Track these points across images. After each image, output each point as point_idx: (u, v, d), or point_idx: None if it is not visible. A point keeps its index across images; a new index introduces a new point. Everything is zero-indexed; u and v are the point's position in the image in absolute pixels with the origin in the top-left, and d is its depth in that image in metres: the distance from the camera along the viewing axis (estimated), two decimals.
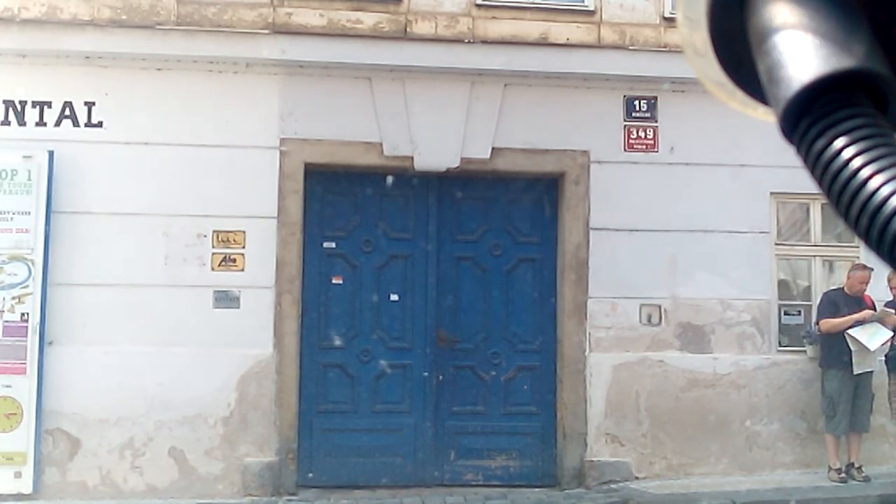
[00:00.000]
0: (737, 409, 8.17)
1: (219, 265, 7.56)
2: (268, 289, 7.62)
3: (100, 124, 7.53)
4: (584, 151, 8.11)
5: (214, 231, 7.57)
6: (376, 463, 7.81)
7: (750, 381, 8.21)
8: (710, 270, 8.21)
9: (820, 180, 0.53)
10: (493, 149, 7.96)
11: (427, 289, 8.02)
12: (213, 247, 7.56)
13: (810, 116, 0.54)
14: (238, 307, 7.56)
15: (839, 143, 0.53)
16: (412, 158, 7.86)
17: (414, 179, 7.99)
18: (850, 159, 0.52)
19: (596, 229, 8.09)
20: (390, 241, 8.01)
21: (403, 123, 7.83)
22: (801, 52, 0.55)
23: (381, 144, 7.82)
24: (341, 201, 7.98)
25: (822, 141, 0.53)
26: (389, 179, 7.91)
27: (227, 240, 7.57)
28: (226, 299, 7.53)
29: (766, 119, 0.60)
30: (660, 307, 8.15)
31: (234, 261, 7.58)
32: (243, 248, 7.60)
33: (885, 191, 0.51)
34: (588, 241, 8.07)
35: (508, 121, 7.98)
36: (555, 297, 8.13)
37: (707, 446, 8.09)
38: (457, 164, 7.92)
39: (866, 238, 0.52)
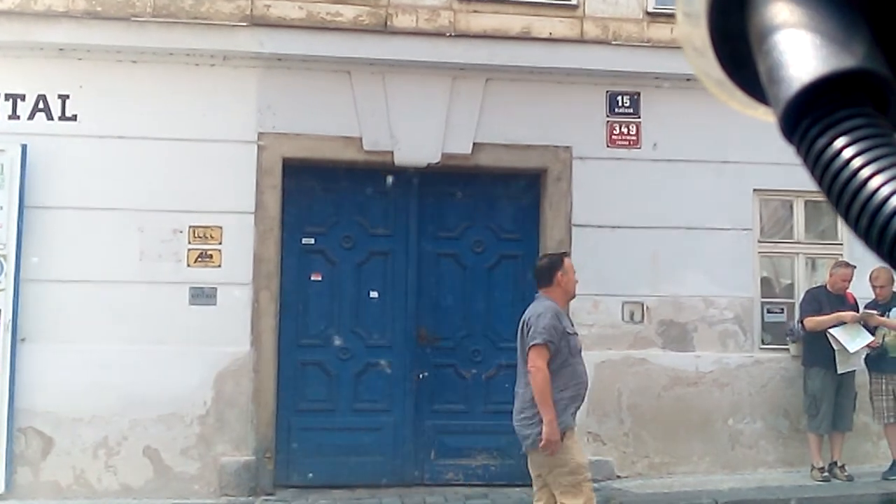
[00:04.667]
0: (719, 408, 8.12)
1: (195, 261, 7.44)
2: (245, 285, 7.50)
3: (74, 118, 7.40)
4: (567, 147, 8.03)
5: (191, 227, 7.45)
6: (355, 462, 7.70)
7: (732, 380, 8.16)
8: (692, 268, 8.15)
9: (820, 180, 0.53)
10: (474, 144, 7.87)
11: (407, 286, 7.92)
12: (190, 243, 7.44)
13: (810, 116, 0.54)
14: (214, 304, 7.44)
15: (839, 143, 0.53)
16: (392, 154, 7.76)
17: (394, 175, 7.87)
18: (851, 159, 0.52)
19: (578, 226, 8.02)
20: (370, 237, 7.90)
21: (383, 118, 7.73)
22: (802, 52, 0.55)
23: (360, 139, 7.71)
24: (320, 197, 7.87)
25: (823, 141, 0.53)
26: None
27: (204, 235, 7.45)
28: (202, 296, 7.42)
29: (766, 119, 0.59)
30: (642, 305, 8.09)
31: (211, 257, 7.46)
32: (220, 244, 7.48)
33: (885, 191, 0.50)
34: (570, 238, 7.99)
35: (490, 116, 7.89)
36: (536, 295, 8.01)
37: (689, 445, 8.04)
38: (438, 160, 7.82)
39: (866, 238, 0.52)
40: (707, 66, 0.63)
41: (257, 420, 7.47)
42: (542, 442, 4.98)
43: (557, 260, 5.51)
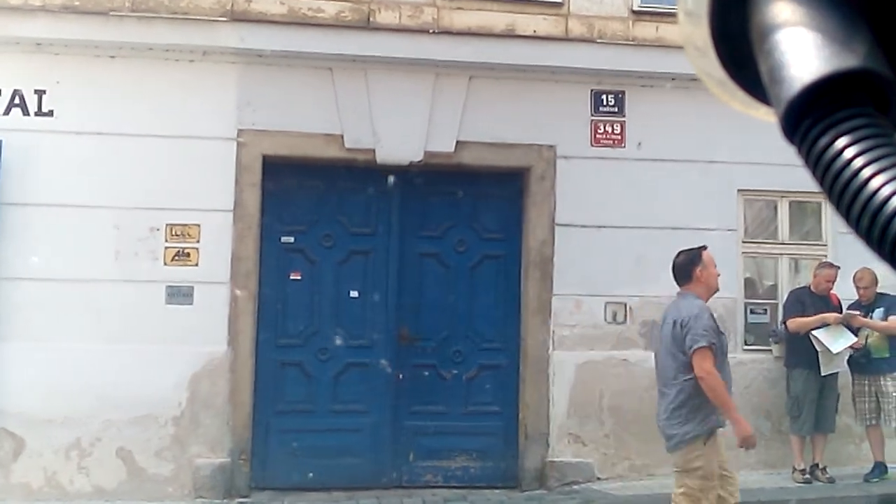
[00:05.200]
0: None
1: (172, 260, 7.32)
2: (223, 284, 7.39)
3: (50, 113, 7.26)
4: (551, 146, 7.96)
5: (168, 224, 7.33)
6: (333, 464, 7.60)
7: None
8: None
9: (821, 180, 0.53)
10: (457, 142, 7.78)
11: (388, 285, 7.83)
12: (167, 241, 7.32)
13: (812, 116, 0.54)
14: (191, 303, 7.33)
15: (840, 143, 0.53)
16: (374, 151, 7.65)
17: (376, 173, 7.77)
18: (852, 159, 0.52)
19: (561, 226, 7.94)
20: (351, 236, 7.80)
21: (365, 115, 7.63)
22: (803, 52, 0.55)
23: (342, 137, 7.61)
24: (300, 195, 7.76)
25: (824, 141, 0.53)
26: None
27: (181, 234, 7.33)
28: (179, 295, 7.30)
29: (767, 119, 0.59)
30: (625, 305, 8.02)
31: (188, 255, 7.34)
32: (198, 242, 7.36)
33: (885, 191, 0.50)
34: (553, 238, 7.92)
35: (473, 114, 7.80)
36: (519, 295, 7.97)
37: None
38: (420, 158, 7.73)
39: (867, 239, 0.52)
40: (708, 65, 0.62)
41: (233, 421, 7.36)
42: (739, 441, 4.95)
43: (695, 255, 5.30)
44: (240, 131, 7.47)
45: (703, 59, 0.62)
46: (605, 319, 8.01)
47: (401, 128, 7.66)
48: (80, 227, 7.19)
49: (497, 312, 8.00)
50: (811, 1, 0.57)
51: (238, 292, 7.40)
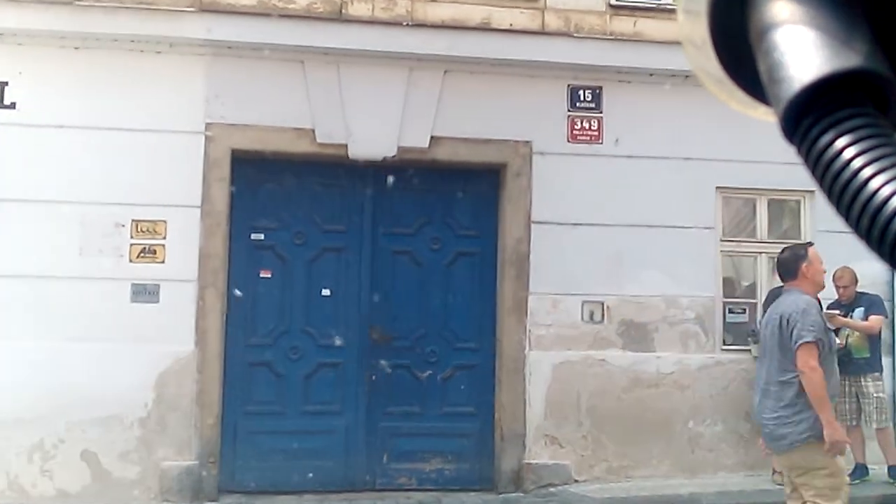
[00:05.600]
0: (680, 410, 7.96)
1: (137, 257, 7.13)
2: (190, 282, 7.20)
3: (13, 105, 7.07)
4: (527, 142, 7.82)
5: (133, 220, 7.14)
6: (305, 466, 7.42)
7: (693, 381, 8.00)
8: (654, 267, 7.97)
9: (820, 181, 0.53)
10: (431, 137, 7.63)
11: (361, 283, 7.67)
12: (132, 237, 7.13)
13: (811, 116, 0.54)
14: (157, 301, 7.14)
15: (840, 143, 0.53)
16: (346, 146, 7.49)
17: (349, 169, 7.61)
18: (851, 160, 0.52)
19: (538, 223, 7.81)
20: (322, 233, 7.63)
21: (337, 109, 7.46)
22: (803, 52, 0.55)
23: (313, 131, 7.44)
24: (271, 190, 7.58)
25: (823, 141, 0.53)
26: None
27: (147, 230, 7.14)
28: (144, 293, 7.11)
29: (766, 119, 0.59)
30: (602, 304, 7.90)
31: (155, 252, 7.15)
32: (164, 238, 7.18)
33: (885, 191, 0.50)
34: (529, 236, 7.79)
35: (448, 109, 7.65)
36: (494, 294, 7.83)
37: (649, 448, 7.87)
38: (394, 153, 7.58)
39: (867, 239, 0.52)
40: (707, 64, 0.62)
41: (201, 423, 7.18)
42: (827, 445, 4.74)
43: (801, 251, 5.17)
44: (208, 125, 7.28)
45: (702, 58, 0.62)
46: (582, 319, 7.88)
47: (374, 122, 7.50)
48: (44, 223, 6.99)
49: (472, 311, 7.85)
50: (811, 0, 0.57)
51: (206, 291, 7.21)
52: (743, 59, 0.60)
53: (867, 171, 0.51)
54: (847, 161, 0.52)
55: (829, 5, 0.56)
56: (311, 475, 7.38)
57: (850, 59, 0.54)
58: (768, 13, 0.57)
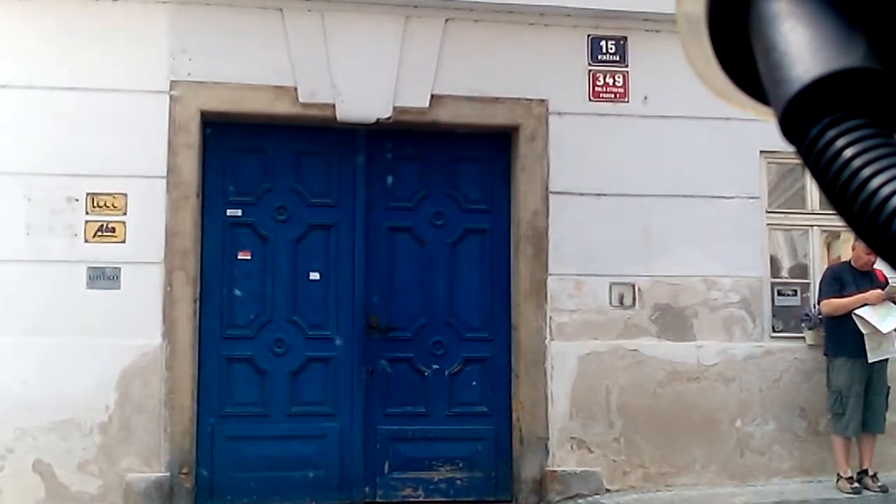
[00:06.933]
0: (725, 407, 6.98)
1: (94, 236, 6.23)
2: (155, 264, 6.29)
3: None
4: (542, 101, 6.88)
5: (88, 194, 6.24)
6: (293, 477, 6.52)
7: (740, 374, 7.03)
8: (690, 243, 7.02)
9: (820, 181, 0.54)
10: (432, 96, 6.70)
11: (355, 266, 6.74)
12: (87, 213, 6.23)
13: (810, 116, 0.54)
14: (118, 287, 6.24)
15: (840, 143, 0.53)
16: (334, 107, 6.57)
17: (337, 133, 6.68)
18: (851, 159, 0.52)
19: (556, 193, 6.86)
20: (309, 208, 6.72)
21: (323, 64, 6.54)
22: (802, 52, 0.56)
23: (295, 90, 6.53)
24: (248, 159, 6.67)
25: (823, 141, 0.54)
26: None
27: (104, 204, 6.24)
28: (102, 278, 6.21)
29: (766, 119, 0.59)
30: (633, 286, 6.95)
31: (113, 230, 6.25)
32: (124, 214, 6.27)
33: (885, 191, 0.51)
34: (547, 208, 6.85)
35: (451, 63, 6.73)
36: (508, 275, 6.90)
37: (691, 451, 6.90)
38: (389, 115, 6.65)
39: (867, 239, 0.52)
40: (706, 65, 0.64)
41: (171, 428, 6.26)
42: None
43: None
44: (173, 83, 6.38)
45: (702, 58, 0.63)
46: (611, 303, 6.92)
47: (365, 79, 6.59)
48: None
49: (483, 296, 6.91)
50: (810, 0, 0.57)
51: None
52: (742, 59, 0.60)
53: (866, 171, 0.52)
54: (846, 161, 0.52)
55: (828, 5, 0.57)
56: (300, 487, 6.47)
57: (849, 59, 0.54)
58: (767, 13, 0.58)
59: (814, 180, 0.54)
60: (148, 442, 6.23)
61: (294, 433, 6.59)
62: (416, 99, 6.67)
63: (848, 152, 0.52)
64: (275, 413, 6.60)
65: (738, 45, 0.60)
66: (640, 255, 6.93)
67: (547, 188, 6.87)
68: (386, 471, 6.71)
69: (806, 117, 0.54)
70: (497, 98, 6.81)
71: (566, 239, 6.84)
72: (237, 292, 6.56)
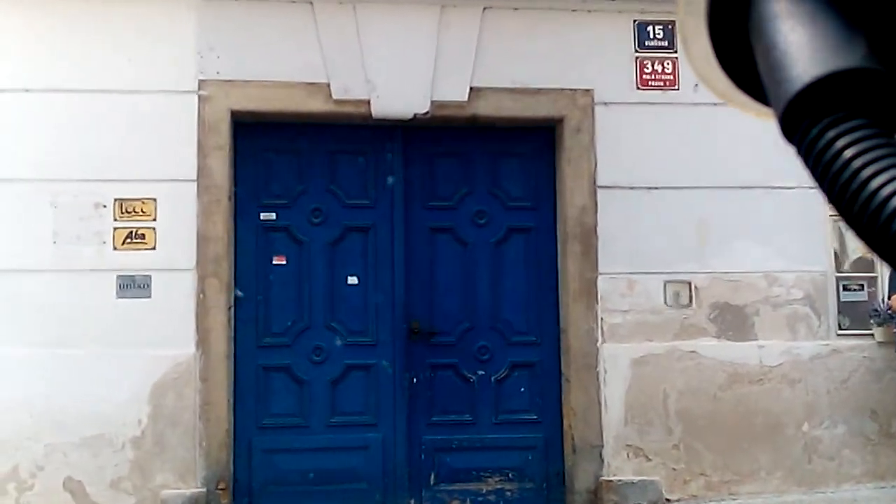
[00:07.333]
0: (791, 410, 6.58)
1: (123, 243, 6.00)
2: (187, 271, 6.05)
3: None
4: (587, 90, 6.53)
5: (116, 200, 6.01)
6: (335, 491, 6.23)
7: (805, 374, 6.61)
8: (749, 236, 6.63)
9: (820, 181, 0.55)
10: (471, 89, 6.39)
11: (394, 269, 6.44)
12: (116, 220, 6.01)
13: (811, 117, 0.54)
14: (149, 296, 6.00)
15: (840, 143, 0.53)
16: (369, 103, 6.29)
17: (373, 130, 6.40)
18: (851, 159, 0.53)
19: (604, 188, 6.51)
20: (345, 209, 6.43)
21: (356, 59, 6.26)
22: (802, 52, 0.56)
23: (328, 86, 6.25)
24: (281, 160, 6.40)
25: (823, 141, 0.54)
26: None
27: (134, 210, 6.01)
28: (132, 286, 5.97)
29: (767, 119, 0.60)
30: (689, 284, 6.57)
31: (143, 237, 6.01)
32: (154, 220, 6.04)
33: (885, 191, 0.51)
34: (595, 204, 6.50)
35: (490, 54, 6.41)
36: (556, 275, 6.55)
37: (755, 457, 6.50)
38: (426, 110, 6.35)
39: (867, 239, 0.52)
40: (708, 67, 0.65)
41: (207, 441, 6.00)
42: None
43: None
44: (202, 82, 6.14)
45: (702, 58, 0.64)
46: (666, 302, 6.55)
47: (400, 73, 6.30)
48: (9, 206, 5.94)
49: (529, 298, 6.57)
50: (810, 1, 0.57)
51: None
52: (742, 60, 0.61)
53: (866, 171, 0.52)
54: (846, 161, 0.52)
55: (828, 5, 0.57)
56: (341, 501, 6.17)
57: (849, 59, 0.55)
58: (767, 13, 0.58)
59: (814, 180, 0.55)
60: (183, 456, 5.97)
61: (335, 444, 6.30)
62: (454, 92, 6.36)
63: (848, 152, 0.52)
64: (314, 424, 6.32)
65: (738, 46, 0.61)
66: (696, 251, 6.56)
67: (594, 182, 6.52)
68: (432, 483, 6.39)
69: (806, 117, 0.54)
70: (539, 89, 6.48)
71: (616, 236, 6.49)
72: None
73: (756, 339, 6.60)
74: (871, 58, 0.55)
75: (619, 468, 6.38)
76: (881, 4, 0.57)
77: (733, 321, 6.60)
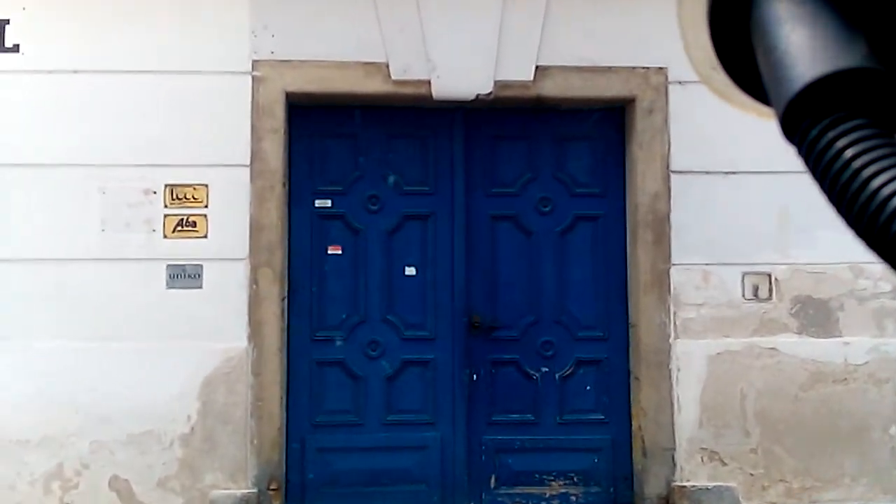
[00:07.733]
0: (878, 412, 6.20)
1: (173, 231, 5.77)
2: (239, 261, 5.80)
3: (16, 48, 5.80)
4: (660, 69, 6.16)
5: (167, 185, 5.77)
6: (391, 492, 5.96)
7: (894, 374, 6.23)
8: (834, 225, 5.92)
9: (820, 181, 0.54)
10: (537, 68, 6.05)
11: (454, 259, 6.14)
12: (166, 206, 5.77)
13: (812, 117, 0.54)
14: (200, 286, 5.76)
15: (840, 143, 0.53)
16: (429, 84, 5.98)
17: (433, 112, 6.10)
18: (851, 160, 0.52)
19: (678, 173, 6.16)
20: (403, 196, 6.15)
21: (416, 37, 5.96)
22: (803, 52, 0.56)
23: (386, 66, 5.95)
24: (337, 144, 6.13)
25: (823, 141, 0.54)
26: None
27: (184, 197, 5.77)
28: (183, 276, 5.74)
29: (767, 119, 0.60)
30: (769, 276, 6.20)
31: (194, 224, 5.78)
32: (206, 207, 5.79)
33: (885, 191, 0.51)
34: (668, 190, 6.15)
35: (557, 30, 6.08)
36: (625, 266, 6.22)
37: (839, 463, 6.14)
38: (489, 91, 6.03)
39: (867, 239, 0.52)
40: (709, 67, 0.65)
41: (259, 440, 5.76)
42: None
43: None
44: (255, 63, 5.87)
45: (703, 58, 0.65)
46: (744, 295, 6.19)
47: (462, 52, 5.98)
48: (55, 192, 5.73)
49: (597, 291, 6.24)
50: (811, 1, 0.57)
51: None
52: (744, 60, 0.61)
53: (867, 172, 0.51)
54: (846, 161, 0.52)
55: (828, 6, 0.57)
56: (398, 503, 5.90)
57: (849, 59, 0.54)
58: (769, 14, 0.58)
59: (814, 180, 0.54)
60: (233, 455, 5.73)
61: (391, 444, 6.02)
62: (519, 72, 6.02)
63: (848, 153, 0.52)
64: (370, 422, 6.04)
65: (739, 46, 0.62)
66: (777, 241, 6.19)
67: (668, 167, 6.15)
68: (492, 485, 6.09)
69: (806, 117, 0.54)
70: (609, 67, 6.12)
71: (691, 224, 6.13)
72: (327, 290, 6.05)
73: (841, 336, 6.21)
74: (871, 58, 0.55)
75: (693, 473, 6.03)
76: (881, 4, 0.57)
77: (816, 316, 6.21)
